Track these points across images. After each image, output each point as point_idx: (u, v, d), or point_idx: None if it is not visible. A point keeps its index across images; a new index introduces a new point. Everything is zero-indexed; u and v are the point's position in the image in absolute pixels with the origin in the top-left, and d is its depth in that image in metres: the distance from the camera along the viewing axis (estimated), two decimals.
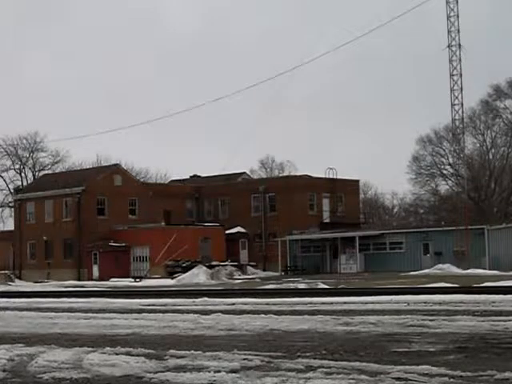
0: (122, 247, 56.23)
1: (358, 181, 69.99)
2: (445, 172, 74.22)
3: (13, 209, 68.49)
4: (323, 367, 6.86)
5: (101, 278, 53.10)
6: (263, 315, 13.57)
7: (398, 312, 13.40)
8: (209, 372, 6.87)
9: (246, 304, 18.19)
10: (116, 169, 63.32)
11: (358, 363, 7.07)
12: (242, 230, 63.05)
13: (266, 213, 63.51)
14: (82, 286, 42.44)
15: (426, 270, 48.39)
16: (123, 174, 62.70)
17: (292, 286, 33.23)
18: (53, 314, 16.87)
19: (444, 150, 71.29)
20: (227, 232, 61.28)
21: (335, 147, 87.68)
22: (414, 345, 8.76)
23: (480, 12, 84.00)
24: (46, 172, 76.01)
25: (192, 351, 8.39)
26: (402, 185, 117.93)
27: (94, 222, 57.01)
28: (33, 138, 77.39)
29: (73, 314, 16.58)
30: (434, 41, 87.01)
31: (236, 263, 57.66)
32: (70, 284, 47.65)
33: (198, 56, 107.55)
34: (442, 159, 73.99)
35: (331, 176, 64.75)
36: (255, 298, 20.86)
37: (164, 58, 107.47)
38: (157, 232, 57.03)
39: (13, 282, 54.23)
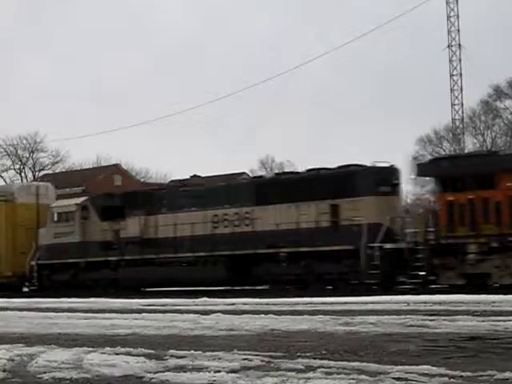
0: None
1: None
2: None
3: None
4: (323, 367, 6.86)
5: None
6: (263, 315, 13.58)
7: (397, 312, 13.40)
8: (209, 372, 6.87)
9: (246, 304, 18.21)
10: (116, 169, 63.28)
11: (357, 363, 7.07)
12: None
13: None
14: None
15: None
16: (123, 174, 62.65)
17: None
18: (53, 314, 16.88)
19: (444, 150, 71.26)
20: None
21: (335, 147, 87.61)
22: (413, 345, 8.76)
23: (480, 12, 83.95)
24: (46, 172, 75.94)
25: (192, 351, 8.39)
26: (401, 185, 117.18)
27: None
28: (33, 138, 77.29)
29: (73, 314, 16.59)
30: (434, 41, 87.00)
31: None
32: None
33: (198, 56, 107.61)
34: None
35: None
36: (255, 297, 20.88)
37: (164, 57, 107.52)
38: None
39: None
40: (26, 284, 34.63)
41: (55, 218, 32.90)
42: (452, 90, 59.10)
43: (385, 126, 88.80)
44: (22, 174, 79.05)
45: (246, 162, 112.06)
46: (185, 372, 7.01)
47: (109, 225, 30.98)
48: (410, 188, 22.23)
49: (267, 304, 17.89)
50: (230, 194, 27.62)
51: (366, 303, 16.47)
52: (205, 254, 27.52)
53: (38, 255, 33.24)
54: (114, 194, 33.20)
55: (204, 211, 27.88)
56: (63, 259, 32.02)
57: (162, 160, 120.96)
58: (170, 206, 29.11)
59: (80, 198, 34.19)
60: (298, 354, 8.11)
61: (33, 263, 33.31)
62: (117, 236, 30.62)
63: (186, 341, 9.94)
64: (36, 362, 7.97)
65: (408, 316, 12.31)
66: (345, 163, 25.67)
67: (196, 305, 19.05)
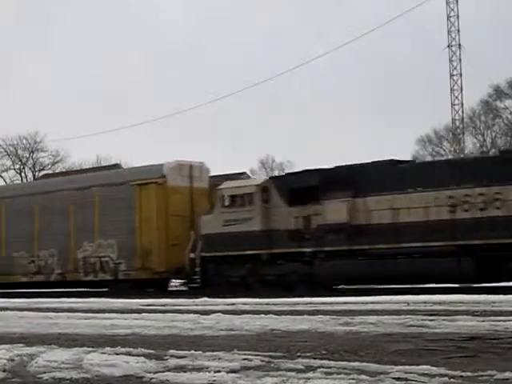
0: None
1: None
2: None
3: None
4: (323, 367, 6.86)
5: None
6: (263, 315, 13.58)
7: (397, 312, 13.40)
8: (209, 372, 6.87)
9: (246, 304, 18.21)
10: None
11: (357, 363, 7.07)
12: None
13: None
14: None
15: None
16: None
17: None
18: (53, 314, 16.87)
19: (444, 150, 71.27)
20: None
21: (335, 147, 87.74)
22: (413, 345, 8.76)
23: (480, 12, 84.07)
24: (46, 172, 75.92)
25: (192, 351, 8.39)
26: None
27: None
28: (33, 138, 77.42)
29: (73, 314, 16.58)
30: (434, 41, 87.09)
31: None
32: None
33: (198, 56, 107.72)
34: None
35: None
36: (255, 297, 20.88)
37: (164, 57, 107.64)
38: None
39: None
40: (185, 281, 30.02)
41: (226, 203, 27.61)
42: (452, 90, 59.27)
43: (385, 126, 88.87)
44: (22, 174, 79.10)
45: (246, 162, 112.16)
46: (185, 372, 7.01)
47: (297, 210, 25.97)
48: None
49: (267, 304, 17.89)
50: (471, 170, 23.01)
51: (366, 303, 16.46)
52: (441, 244, 22.84)
53: (199, 247, 28.35)
54: (303, 173, 27.30)
55: (435, 192, 23.25)
56: (238, 251, 26.93)
57: (162, 160, 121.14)
58: (385, 187, 24.20)
59: (258, 179, 28.68)
60: (298, 354, 8.11)
61: (193, 256, 28.49)
62: (307, 223, 25.77)
63: (186, 341, 9.94)
64: (36, 362, 7.97)
65: (408, 316, 12.30)
66: None
67: (196, 305, 19.05)
